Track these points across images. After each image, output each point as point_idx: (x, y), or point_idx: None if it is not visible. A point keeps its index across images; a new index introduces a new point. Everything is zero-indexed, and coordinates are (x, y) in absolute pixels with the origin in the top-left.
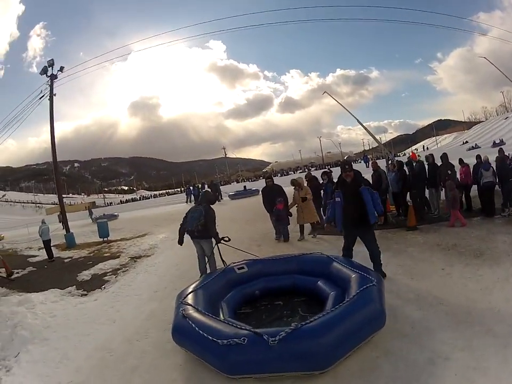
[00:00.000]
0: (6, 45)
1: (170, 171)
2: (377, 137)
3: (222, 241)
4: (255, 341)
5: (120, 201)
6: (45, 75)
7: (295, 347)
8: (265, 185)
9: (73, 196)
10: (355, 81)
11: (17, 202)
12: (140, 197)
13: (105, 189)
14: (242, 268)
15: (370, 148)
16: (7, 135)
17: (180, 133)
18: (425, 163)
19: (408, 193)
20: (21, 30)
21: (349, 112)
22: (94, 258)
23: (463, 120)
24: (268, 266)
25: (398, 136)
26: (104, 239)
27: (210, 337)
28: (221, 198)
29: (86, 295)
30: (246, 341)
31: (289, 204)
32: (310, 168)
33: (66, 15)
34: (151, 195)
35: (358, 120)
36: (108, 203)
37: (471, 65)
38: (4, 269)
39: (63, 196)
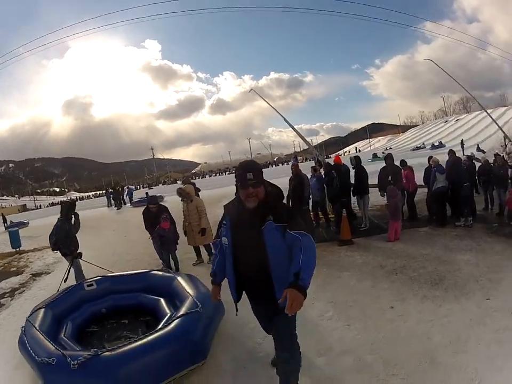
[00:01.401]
0: None
1: (101, 172)
2: (309, 139)
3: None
4: (61, 363)
5: (51, 203)
6: None
7: (92, 373)
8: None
9: (6, 198)
10: (289, 84)
11: None
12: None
13: (38, 191)
14: (91, 284)
15: (302, 149)
16: None
17: (111, 133)
18: (351, 166)
19: (330, 202)
20: None
21: (277, 111)
22: (0, 273)
23: (399, 124)
24: (117, 283)
25: (329, 138)
26: (17, 249)
27: (33, 354)
28: (123, 204)
29: None
30: (54, 361)
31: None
32: None
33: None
34: (78, 197)
35: (286, 120)
36: (38, 206)
37: (410, 71)
38: None
39: None
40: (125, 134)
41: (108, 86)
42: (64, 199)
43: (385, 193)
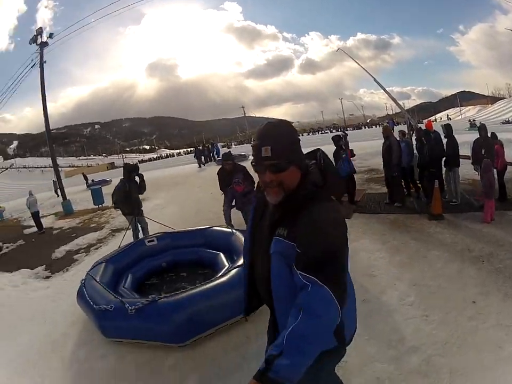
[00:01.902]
0: (15, 20)
1: (192, 130)
2: (400, 103)
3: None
4: (119, 309)
5: (138, 161)
6: (34, 44)
7: (148, 318)
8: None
9: (93, 157)
10: (376, 45)
11: (35, 167)
12: (157, 157)
13: (127, 149)
14: (152, 240)
15: (394, 113)
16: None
17: (199, 93)
18: (442, 135)
19: (420, 170)
20: (28, 4)
21: (367, 72)
22: (80, 229)
23: (487, 94)
24: (177, 239)
25: (421, 103)
26: (99, 206)
27: (91, 303)
28: (213, 161)
29: (48, 277)
30: (112, 308)
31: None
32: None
33: None
34: (168, 154)
35: (376, 80)
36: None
37: (493, 41)
38: None
39: (82, 158)
40: (214, 93)
41: (192, 48)
42: (129, 162)
43: (479, 167)
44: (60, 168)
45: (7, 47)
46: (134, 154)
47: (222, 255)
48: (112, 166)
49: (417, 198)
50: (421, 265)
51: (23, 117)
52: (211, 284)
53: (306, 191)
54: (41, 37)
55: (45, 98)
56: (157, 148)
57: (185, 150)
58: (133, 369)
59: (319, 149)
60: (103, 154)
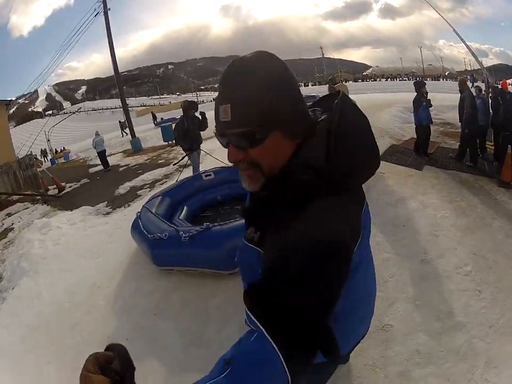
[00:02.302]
0: None
1: None
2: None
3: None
4: (173, 237)
5: (213, 99)
6: None
7: (201, 245)
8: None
9: (166, 96)
10: None
11: (104, 109)
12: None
13: (202, 87)
14: (209, 175)
15: (472, 69)
16: (67, 52)
17: (277, 33)
18: None
19: (494, 131)
20: None
21: (448, 23)
22: (147, 165)
23: None
24: (234, 173)
25: (498, 64)
26: (169, 142)
27: (145, 233)
28: None
29: (108, 213)
30: (166, 236)
31: None
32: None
33: None
34: None
35: (457, 33)
36: (200, 101)
37: None
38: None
39: (155, 97)
40: (291, 33)
41: None
42: (188, 99)
43: None
44: (131, 108)
45: (67, 1)
46: (209, 92)
47: None
48: (186, 103)
49: (488, 160)
50: (484, 233)
51: (91, 63)
52: None
53: (293, 180)
54: None
55: (112, 43)
56: None
57: None
58: (178, 307)
59: (339, 91)
60: (177, 93)
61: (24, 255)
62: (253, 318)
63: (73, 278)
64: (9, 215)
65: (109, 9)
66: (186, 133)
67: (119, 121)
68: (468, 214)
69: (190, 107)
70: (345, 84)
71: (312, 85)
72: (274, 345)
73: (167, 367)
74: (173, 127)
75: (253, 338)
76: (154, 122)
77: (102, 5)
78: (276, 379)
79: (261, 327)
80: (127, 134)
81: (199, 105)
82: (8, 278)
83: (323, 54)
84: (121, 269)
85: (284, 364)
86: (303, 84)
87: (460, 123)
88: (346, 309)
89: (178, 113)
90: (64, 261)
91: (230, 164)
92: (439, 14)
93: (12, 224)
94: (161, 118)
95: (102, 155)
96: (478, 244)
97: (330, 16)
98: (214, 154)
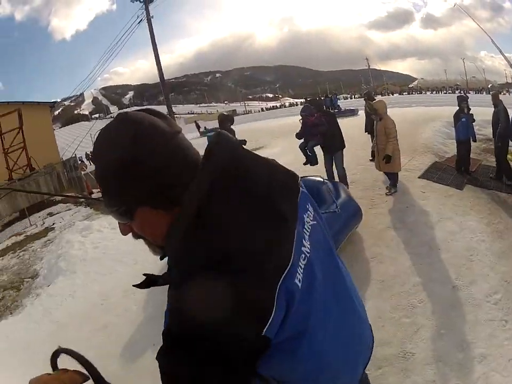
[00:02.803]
0: None
1: (316, 79)
2: None
3: None
4: None
5: (261, 109)
6: (138, 1)
7: None
8: None
9: (214, 104)
10: (492, 6)
11: None
12: (280, 105)
13: (249, 97)
14: None
15: None
16: (112, 58)
17: (322, 43)
18: None
19: None
20: None
21: (486, 33)
22: None
23: None
24: None
25: None
26: None
27: None
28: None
29: None
30: None
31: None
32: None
33: None
34: (291, 103)
35: (495, 44)
36: (248, 111)
37: None
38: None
39: (203, 105)
40: (335, 43)
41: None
42: (224, 112)
43: None
44: (179, 115)
45: (109, 7)
46: (257, 102)
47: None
48: (234, 113)
49: None
50: None
51: (137, 69)
52: None
53: (171, 256)
54: None
55: (157, 50)
56: (280, 96)
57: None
58: None
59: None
60: (225, 102)
61: (62, 255)
62: None
63: (108, 282)
64: (50, 214)
65: (152, 16)
66: None
67: None
68: (504, 238)
69: (226, 120)
70: (387, 96)
71: (358, 97)
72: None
73: None
74: None
75: None
76: (199, 131)
77: (145, 12)
78: None
79: None
80: None
81: (246, 115)
82: (44, 275)
83: (369, 65)
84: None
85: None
86: (349, 96)
87: (493, 138)
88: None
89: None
90: (102, 264)
91: None
92: (476, 23)
93: (53, 223)
94: (205, 127)
95: None
96: (511, 270)
97: (373, 25)
98: None
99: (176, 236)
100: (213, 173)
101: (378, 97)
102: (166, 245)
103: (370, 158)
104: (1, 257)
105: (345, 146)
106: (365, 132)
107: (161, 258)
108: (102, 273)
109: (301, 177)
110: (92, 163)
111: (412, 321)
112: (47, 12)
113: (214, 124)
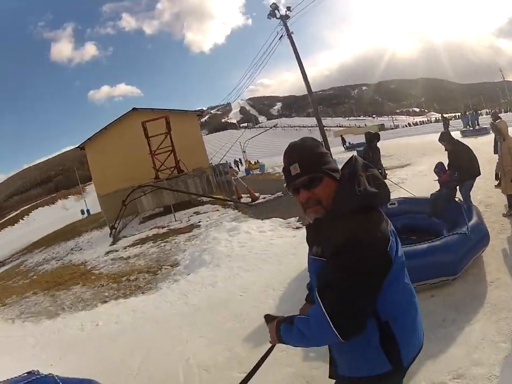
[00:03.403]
0: None
1: (458, 93)
2: None
3: None
4: None
5: (408, 124)
6: (274, 18)
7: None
8: None
9: (363, 118)
10: None
11: (301, 127)
12: (427, 120)
13: (397, 111)
14: (394, 204)
15: None
16: (257, 73)
17: (457, 54)
18: None
19: None
20: None
21: None
22: None
23: None
24: (414, 204)
25: None
26: None
27: None
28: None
29: (298, 228)
30: None
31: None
32: None
33: None
34: (436, 118)
35: None
36: (395, 125)
37: None
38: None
39: (351, 118)
40: (471, 54)
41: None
42: (370, 131)
43: None
44: (328, 128)
45: (244, 21)
46: (404, 116)
47: (446, 225)
48: (381, 127)
49: None
50: None
51: (283, 81)
52: (425, 245)
53: (338, 205)
54: (278, 11)
55: (302, 65)
56: (426, 111)
57: (448, 115)
58: None
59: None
60: (373, 115)
61: (207, 249)
62: (317, 294)
63: (250, 277)
64: (197, 213)
65: (292, 32)
66: (372, 162)
67: None
68: None
69: (375, 138)
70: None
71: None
72: (326, 315)
73: None
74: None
75: (315, 308)
76: (344, 145)
77: (284, 28)
78: (329, 335)
79: (320, 303)
80: None
81: (394, 129)
82: (185, 265)
83: (503, 77)
84: (298, 278)
85: (332, 327)
86: (485, 112)
87: None
88: (399, 310)
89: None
90: (246, 261)
91: (414, 195)
92: None
93: (199, 221)
94: (349, 142)
95: None
96: None
97: (501, 33)
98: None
99: (343, 192)
100: (355, 165)
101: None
102: (335, 199)
103: (495, 184)
104: (140, 245)
105: (478, 175)
106: (494, 153)
107: (313, 221)
108: (245, 269)
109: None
110: (239, 169)
111: (506, 346)
112: (179, 26)
113: (359, 139)
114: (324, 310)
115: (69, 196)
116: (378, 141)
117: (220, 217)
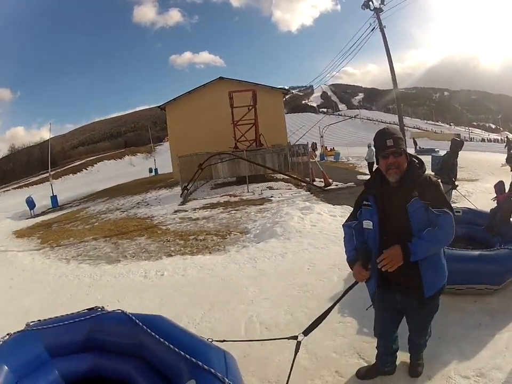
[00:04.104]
0: None
1: None
2: None
3: None
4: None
5: (482, 139)
6: (368, 9)
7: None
8: None
9: (441, 124)
10: None
11: (380, 121)
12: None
13: (474, 123)
14: (459, 212)
15: None
16: (347, 61)
17: None
18: None
19: None
20: None
21: None
22: None
23: None
24: (480, 217)
25: None
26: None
27: None
28: None
29: None
30: None
31: None
32: None
33: None
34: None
35: None
36: (471, 138)
37: None
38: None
39: (430, 122)
40: None
41: None
42: (456, 138)
43: None
44: (407, 128)
45: (333, 7)
46: (480, 130)
47: (500, 239)
48: (458, 137)
49: None
50: None
51: (367, 72)
52: (481, 252)
53: (415, 170)
54: (372, 2)
55: (391, 60)
56: (501, 129)
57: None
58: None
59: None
60: (451, 124)
61: (280, 222)
62: (439, 209)
63: (318, 254)
64: (270, 188)
65: (384, 26)
66: (452, 169)
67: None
68: None
69: (460, 145)
70: None
71: None
72: (452, 216)
73: None
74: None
75: (442, 217)
76: (415, 148)
77: (377, 21)
78: (453, 230)
79: (446, 210)
80: None
81: (469, 142)
82: (255, 234)
83: None
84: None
85: (454, 222)
86: None
87: None
88: None
89: (436, 145)
90: (316, 239)
91: (477, 208)
92: None
93: (271, 196)
94: (419, 147)
95: (370, 166)
96: None
97: None
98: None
99: (412, 165)
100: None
101: None
102: (408, 171)
103: None
104: (210, 209)
105: None
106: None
107: (398, 178)
108: (314, 245)
109: None
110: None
111: None
112: (268, 2)
113: (431, 144)
114: (450, 212)
115: (137, 153)
116: (461, 149)
117: (292, 195)
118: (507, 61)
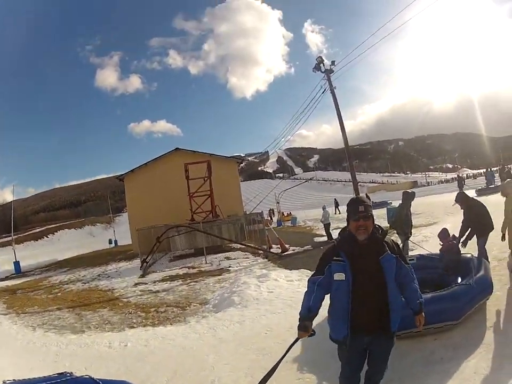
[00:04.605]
0: (285, 46)
1: (495, 147)
2: None
3: None
4: None
5: (440, 181)
6: (319, 71)
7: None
8: None
9: (397, 174)
10: None
11: (336, 181)
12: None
13: (430, 167)
14: (413, 259)
15: None
16: (301, 124)
17: (491, 107)
18: None
19: None
20: (293, 31)
21: None
22: None
23: None
24: (429, 261)
25: None
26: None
27: None
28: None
29: None
30: None
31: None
32: None
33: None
34: (467, 175)
35: None
36: (428, 182)
37: None
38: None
39: (386, 174)
40: (506, 106)
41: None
42: (408, 190)
43: None
44: (363, 184)
45: (287, 70)
46: (437, 172)
47: (459, 278)
48: (414, 185)
49: None
50: None
51: (321, 133)
52: (432, 294)
53: (378, 232)
54: (323, 65)
55: (342, 120)
56: (458, 166)
57: (479, 171)
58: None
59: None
60: (407, 172)
61: (237, 292)
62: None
63: (275, 319)
64: (228, 258)
65: (335, 87)
66: (406, 220)
67: (335, 199)
68: None
69: (411, 197)
70: None
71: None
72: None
73: None
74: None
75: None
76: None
77: (327, 83)
78: None
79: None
80: (340, 212)
81: (426, 186)
82: (214, 304)
83: None
84: (320, 324)
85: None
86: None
87: None
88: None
89: (390, 196)
90: (273, 305)
91: (431, 252)
92: None
93: (229, 266)
94: (372, 201)
95: (327, 227)
96: None
97: None
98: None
99: (381, 230)
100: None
101: None
102: (374, 232)
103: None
104: (169, 281)
105: (491, 230)
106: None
107: (366, 237)
108: (271, 311)
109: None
110: (272, 220)
111: (494, 378)
112: (224, 69)
113: (386, 197)
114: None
115: (97, 223)
116: (413, 200)
117: (250, 264)
118: (461, 99)
